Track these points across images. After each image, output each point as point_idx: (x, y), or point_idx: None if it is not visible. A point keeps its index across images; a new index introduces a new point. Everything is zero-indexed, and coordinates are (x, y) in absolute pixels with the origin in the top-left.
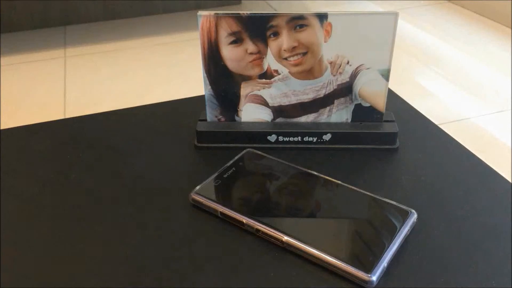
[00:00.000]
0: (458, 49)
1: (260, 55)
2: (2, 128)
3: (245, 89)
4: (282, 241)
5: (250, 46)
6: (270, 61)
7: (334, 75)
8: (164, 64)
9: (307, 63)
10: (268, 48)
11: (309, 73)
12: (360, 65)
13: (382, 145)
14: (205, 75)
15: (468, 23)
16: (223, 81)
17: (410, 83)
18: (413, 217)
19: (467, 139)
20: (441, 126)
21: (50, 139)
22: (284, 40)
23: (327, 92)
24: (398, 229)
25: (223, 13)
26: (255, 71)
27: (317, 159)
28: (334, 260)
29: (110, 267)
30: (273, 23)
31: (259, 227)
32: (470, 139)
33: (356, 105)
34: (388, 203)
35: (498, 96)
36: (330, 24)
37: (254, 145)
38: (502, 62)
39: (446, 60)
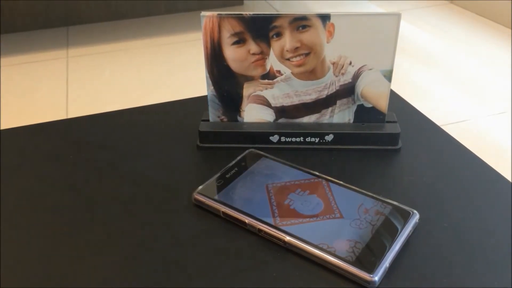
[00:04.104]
0: (459, 50)
1: (263, 56)
2: (4, 128)
3: (248, 90)
4: (284, 241)
5: (252, 46)
6: (273, 62)
7: (336, 76)
8: (166, 64)
9: (309, 64)
10: (271, 48)
11: (311, 74)
12: (362, 66)
13: (384, 146)
14: (207, 75)
15: (469, 24)
16: (226, 82)
17: (411, 84)
18: (415, 217)
19: (468, 140)
20: (442, 127)
21: (52, 139)
22: (287, 41)
23: (329, 93)
24: (400, 230)
25: (226, 14)
26: (258, 72)
27: (319, 160)
28: (336, 260)
29: (111, 267)
30: (276, 23)
31: (261, 227)
32: (471, 140)
33: (358, 105)
34: (390, 203)
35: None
36: (332, 25)
37: (257, 145)
38: (502, 63)
39: (447, 61)
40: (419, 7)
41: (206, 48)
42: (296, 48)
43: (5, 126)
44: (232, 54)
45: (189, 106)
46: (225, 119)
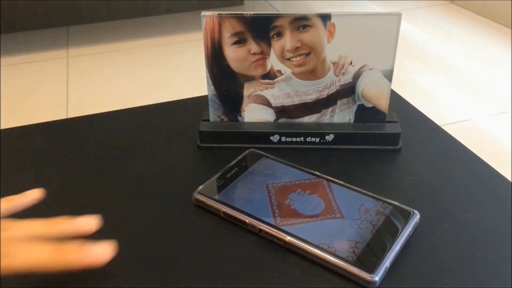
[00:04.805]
0: (459, 50)
1: (263, 56)
2: (4, 128)
3: (248, 89)
4: (285, 241)
5: (253, 46)
6: (273, 62)
7: (337, 76)
8: (167, 64)
9: (310, 64)
10: (271, 48)
11: (312, 74)
12: (363, 66)
13: (384, 146)
14: (208, 75)
15: (469, 24)
16: (226, 81)
17: (411, 84)
18: (416, 217)
19: (468, 140)
20: (443, 127)
21: (53, 139)
22: (287, 41)
23: (330, 93)
24: (400, 230)
25: (226, 14)
26: (258, 72)
27: (320, 160)
28: (336, 260)
29: (112, 267)
30: (277, 23)
31: (262, 227)
32: (471, 140)
33: (359, 105)
34: (390, 203)
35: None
36: (333, 25)
37: (257, 145)
38: (502, 63)
39: (447, 61)
40: (419, 7)
41: (206, 48)
42: (297, 48)
43: (5, 126)
44: (233, 54)
45: (190, 106)
46: (226, 119)
